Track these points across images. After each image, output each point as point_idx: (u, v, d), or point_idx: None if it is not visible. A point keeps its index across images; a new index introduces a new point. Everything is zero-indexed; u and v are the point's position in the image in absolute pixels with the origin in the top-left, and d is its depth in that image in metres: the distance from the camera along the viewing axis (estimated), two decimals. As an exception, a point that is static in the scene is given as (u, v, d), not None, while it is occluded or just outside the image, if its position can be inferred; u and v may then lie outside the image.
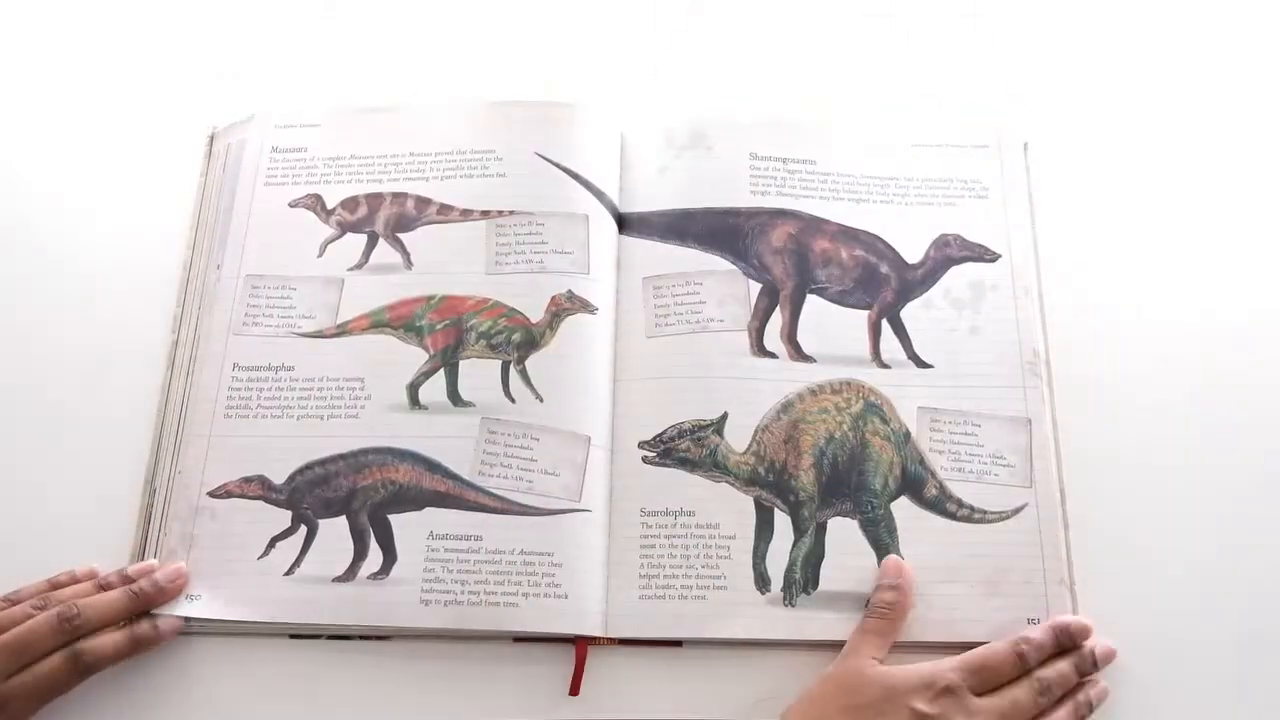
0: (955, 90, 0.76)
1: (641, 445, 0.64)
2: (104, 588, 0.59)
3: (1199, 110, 0.75)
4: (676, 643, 0.60)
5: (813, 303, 0.68)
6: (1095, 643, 0.58)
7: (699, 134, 0.72)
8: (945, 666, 0.55)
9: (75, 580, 0.60)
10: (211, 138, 0.75)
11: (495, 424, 0.64)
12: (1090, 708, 0.57)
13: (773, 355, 0.66)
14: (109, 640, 0.57)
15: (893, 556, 0.61)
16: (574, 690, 0.59)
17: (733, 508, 0.62)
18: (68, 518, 0.64)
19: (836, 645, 0.59)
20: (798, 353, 0.66)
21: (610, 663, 0.60)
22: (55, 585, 0.60)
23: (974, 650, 0.57)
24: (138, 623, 0.59)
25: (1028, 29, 0.79)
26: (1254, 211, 0.71)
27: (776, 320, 0.67)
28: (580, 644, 0.60)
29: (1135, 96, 0.75)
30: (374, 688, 0.59)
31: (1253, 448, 0.64)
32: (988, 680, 0.55)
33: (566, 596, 0.60)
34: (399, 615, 0.60)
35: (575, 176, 0.70)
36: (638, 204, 0.70)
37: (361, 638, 0.61)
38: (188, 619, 0.60)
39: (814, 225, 0.69)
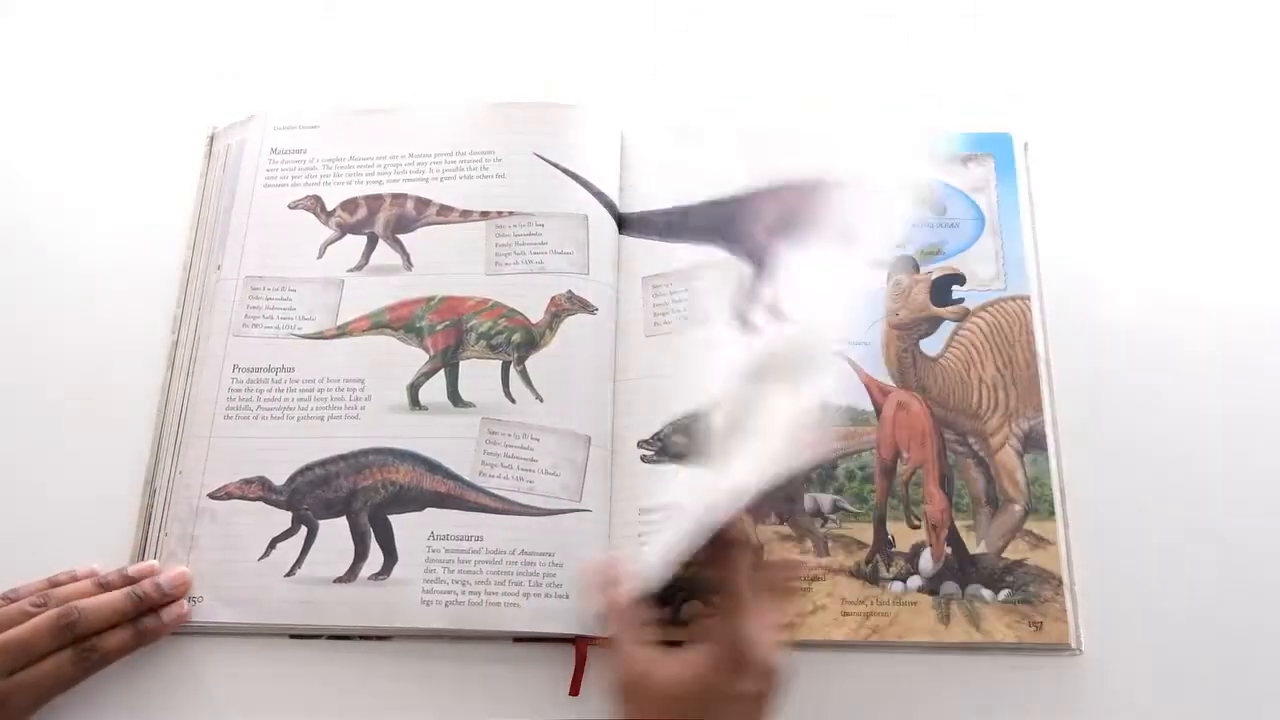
0: (955, 90, 0.76)
1: (640, 445, 0.64)
2: (104, 587, 0.59)
3: (1199, 110, 0.75)
4: (677, 643, 0.60)
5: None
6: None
7: (698, 134, 0.72)
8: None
9: (75, 579, 0.60)
10: (211, 138, 0.75)
11: (495, 424, 0.64)
12: None
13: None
14: (113, 636, 0.57)
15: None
16: (574, 690, 0.59)
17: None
18: (68, 518, 0.64)
19: (834, 643, 0.59)
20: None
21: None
22: (55, 584, 0.60)
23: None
24: (142, 617, 0.59)
25: (1028, 29, 0.78)
26: (1255, 211, 0.71)
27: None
28: (581, 644, 0.60)
29: (1135, 96, 0.75)
30: (374, 688, 0.60)
31: (1254, 447, 0.64)
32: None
33: (567, 596, 0.60)
34: (399, 615, 0.60)
35: (575, 177, 0.70)
36: (637, 203, 0.70)
37: (361, 638, 0.61)
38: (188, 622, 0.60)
39: (811, 192, 0.69)
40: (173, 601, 0.60)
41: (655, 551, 0.50)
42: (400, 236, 0.70)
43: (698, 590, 0.50)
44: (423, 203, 0.70)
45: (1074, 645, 0.59)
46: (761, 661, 0.47)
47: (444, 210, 0.70)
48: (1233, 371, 0.66)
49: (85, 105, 0.77)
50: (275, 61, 0.78)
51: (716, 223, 0.69)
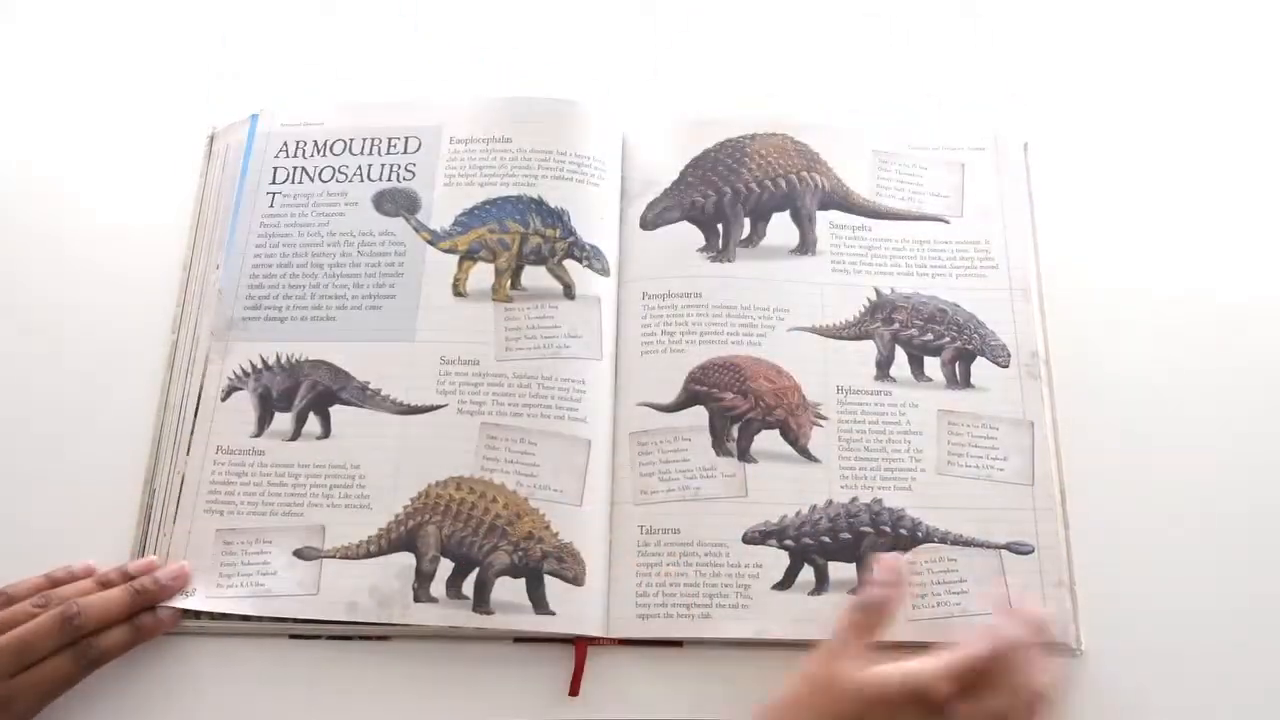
0: (955, 91, 0.76)
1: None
2: (104, 584, 0.59)
3: (1198, 110, 0.75)
4: (677, 643, 0.60)
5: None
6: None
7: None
8: (933, 674, 0.50)
9: (73, 576, 0.60)
10: (211, 138, 0.75)
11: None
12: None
13: None
14: (113, 633, 0.57)
15: (893, 554, 0.61)
16: (574, 690, 0.59)
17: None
18: (68, 518, 0.64)
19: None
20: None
21: (610, 663, 0.60)
22: (53, 580, 0.60)
23: (959, 654, 0.51)
24: (139, 615, 0.59)
25: (1027, 29, 0.79)
26: (1254, 210, 0.71)
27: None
28: (580, 644, 0.60)
29: (1135, 96, 0.75)
30: (374, 688, 0.60)
31: (1253, 447, 0.64)
32: (975, 685, 0.51)
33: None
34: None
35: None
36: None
37: (361, 638, 0.61)
38: (188, 612, 0.60)
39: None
40: (171, 595, 0.60)
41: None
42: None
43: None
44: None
45: (1074, 645, 0.59)
46: None
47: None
48: (1234, 371, 0.66)
49: (85, 105, 0.77)
50: (275, 61, 0.78)
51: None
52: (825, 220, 0.70)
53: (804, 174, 0.71)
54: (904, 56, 0.78)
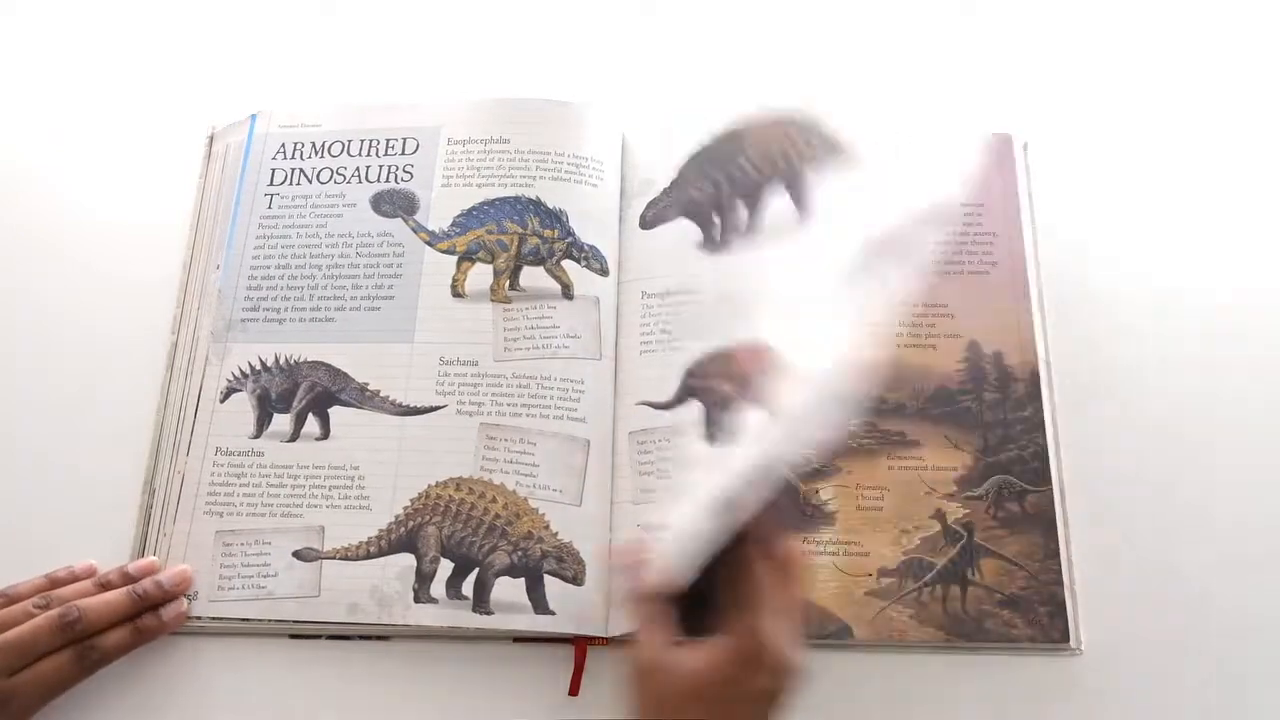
0: (954, 90, 0.76)
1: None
2: (104, 586, 0.60)
3: (1198, 109, 0.74)
4: (676, 643, 0.60)
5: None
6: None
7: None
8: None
9: (74, 576, 0.60)
10: (211, 138, 0.75)
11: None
12: None
13: None
14: (114, 635, 0.57)
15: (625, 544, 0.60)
16: (574, 690, 0.59)
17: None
18: (68, 518, 0.64)
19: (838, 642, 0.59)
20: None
21: (610, 663, 0.60)
22: (54, 581, 0.60)
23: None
24: (141, 616, 0.59)
25: (1027, 29, 0.78)
26: (1254, 210, 0.71)
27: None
28: (580, 644, 0.60)
29: (1134, 96, 0.75)
30: (374, 688, 0.60)
31: (1254, 446, 0.64)
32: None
33: (567, 597, 0.60)
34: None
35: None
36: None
37: (361, 638, 0.61)
38: (189, 618, 0.60)
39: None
40: (172, 599, 0.60)
41: (678, 540, 0.49)
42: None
43: (715, 581, 0.49)
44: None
45: (1074, 645, 0.59)
46: (778, 657, 0.46)
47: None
48: (1235, 371, 0.66)
49: (85, 105, 0.77)
50: (275, 61, 0.78)
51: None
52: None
53: (803, 148, 0.70)
54: (903, 56, 0.77)
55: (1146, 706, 0.59)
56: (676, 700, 0.46)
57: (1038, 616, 0.60)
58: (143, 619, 0.59)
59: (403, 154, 0.72)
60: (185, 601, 0.60)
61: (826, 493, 0.63)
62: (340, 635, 0.61)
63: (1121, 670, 0.59)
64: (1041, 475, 0.63)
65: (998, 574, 0.61)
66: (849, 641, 0.60)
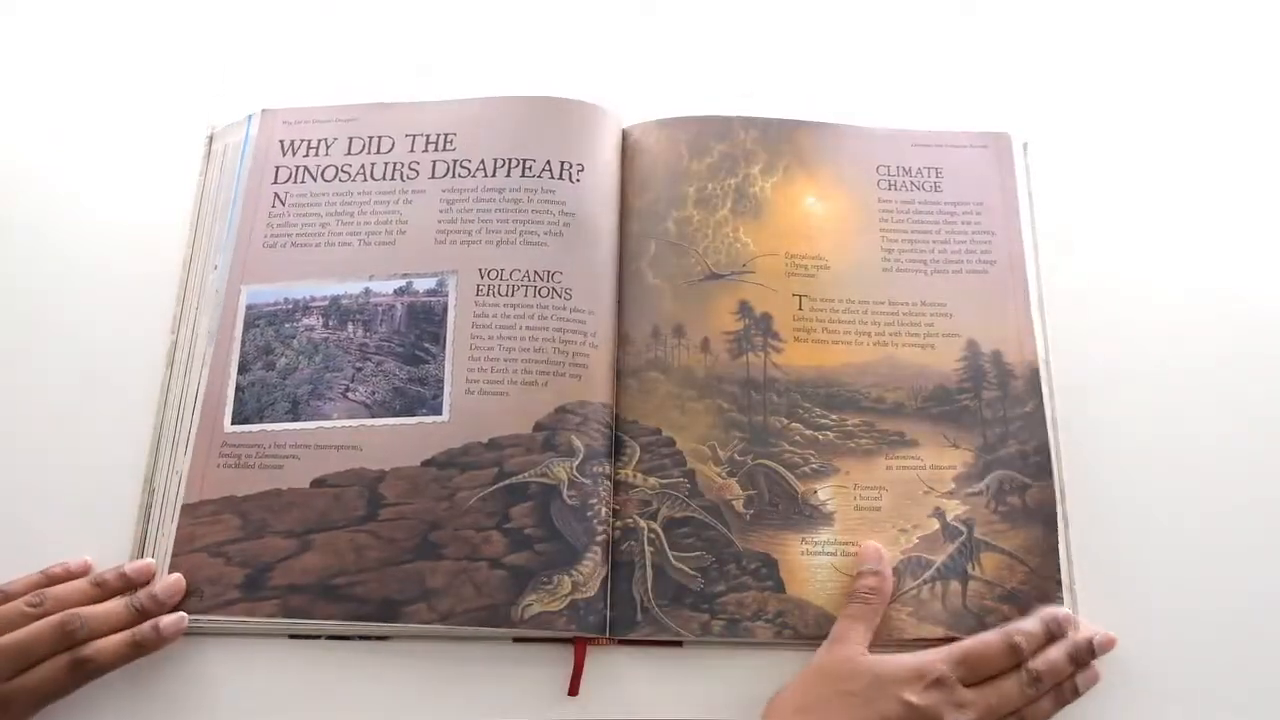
0: (954, 89, 0.76)
1: None
2: (100, 585, 0.60)
3: (1199, 109, 0.75)
4: (676, 643, 0.60)
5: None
6: (1095, 632, 0.58)
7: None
8: (935, 658, 0.56)
9: (70, 574, 0.60)
10: (210, 138, 0.75)
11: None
12: (1075, 692, 0.57)
13: None
14: (111, 645, 0.57)
15: (871, 542, 0.61)
16: (573, 690, 0.59)
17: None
18: (67, 517, 0.64)
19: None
20: None
21: (610, 663, 0.60)
22: (50, 577, 0.60)
23: (964, 641, 0.57)
24: (139, 626, 0.59)
25: (1027, 28, 0.78)
26: (1254, 209, 0.71)
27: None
28: (580, 644, 0.60)
29: (1135, 95, 0.75)
30: (374, 688, 0.60)
31: (1254, 446, 0.64)
32: (978, 671, 0.56)
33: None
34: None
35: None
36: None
37: (361, 638, 0.61)
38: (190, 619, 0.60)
39: None
40: (168, 610, 0.60)
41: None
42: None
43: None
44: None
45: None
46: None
47: None
48: (1235, 370, 0.66)
49: (85, 105, 0.77)
50: (274, 61, 0.78)
51: None
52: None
53: None
54: (903, 56, 0.78)
55: (1147, 707, 0.59)
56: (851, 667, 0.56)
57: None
58: (141, 631, 0.58)
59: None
60: (185, 616, 0.60)
61: (825, 493, 0.63)
62: (340, 635, 0.61)
63: (1121, 671, 0.59)
64: (1043, 469, 0.63)
65: (998, 568, 0.61)
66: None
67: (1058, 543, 0.62)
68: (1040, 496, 0.63)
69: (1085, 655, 0.58)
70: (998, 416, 0.65)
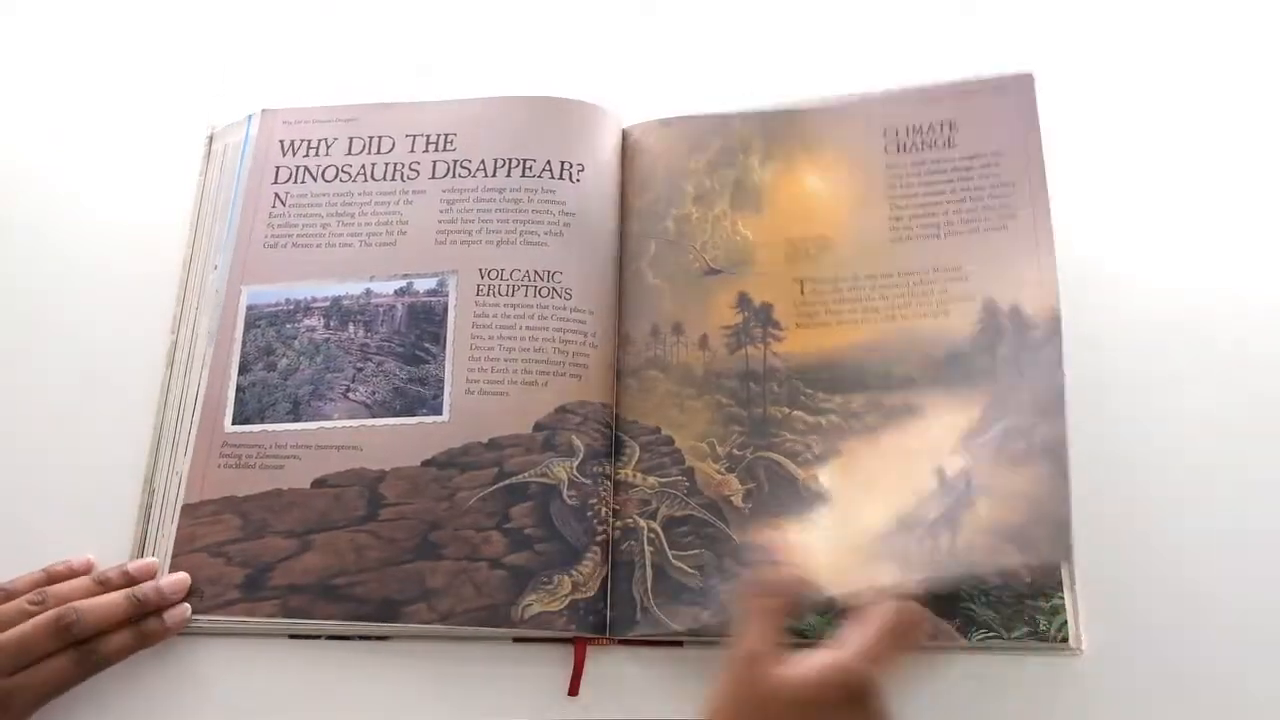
0: (954, 85, 0.75)
1: None
2: (103, 584, 0.59)
3: (1209, 95, 0.73)
4: (677, 643, 0.60)
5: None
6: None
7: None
8: (853, 660, 0.50)
9: (72, 571, 0.60)
10: (210, 138, 0.75)
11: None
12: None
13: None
14: (116, 638, 0.57)
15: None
16: (573, 690, 0.59)
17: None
18: (67, 518, 0.64)
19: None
20: None
21: (610, 663, 0.60)
22: (52, 575, 0.60)
23: (868, 633, 0.51)
24: (143, 619, 0.59)
25: (1028, 27, 0.78)
26: (1254, 210, 0.71)
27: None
28: (579, 644, 0.60)
29: (1140, 89, 0.75)
30: (374, 688, 0.60)
31: (1255, 446, 0.64)
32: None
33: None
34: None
35: None
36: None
37: (361, 638, 0.61)
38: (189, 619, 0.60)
39: None
40: (172, 604, 0.60)
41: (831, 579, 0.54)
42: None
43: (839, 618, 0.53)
44: None
45: (1074, 645, 0.59)
46: (874, 707, 0.48)
47: None
48: (1239, 369, 0.66)
49: (85, 105, 0.77)
50: (274, 61, 0.78)
51: None
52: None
53: None
54: (903, 57, 0.77)
55: (1147, 706, 0.59)
56: (765, 696, 0.49)
57: (1038, 550, 0.57)
58: (147, 623, 0.58)
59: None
60: (189, 607, 0.60)
61: (825, 476, 0.62)
62: (340, 635, 0.61)
63: (1121, 671, 0.59)
64: (1053, 409, 0.59)
65: (997, 509, 0.58)
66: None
67: (1066, 478, 0.57)
68: (1048, 434, 0.58)
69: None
70: (1013, 369, 0.61)
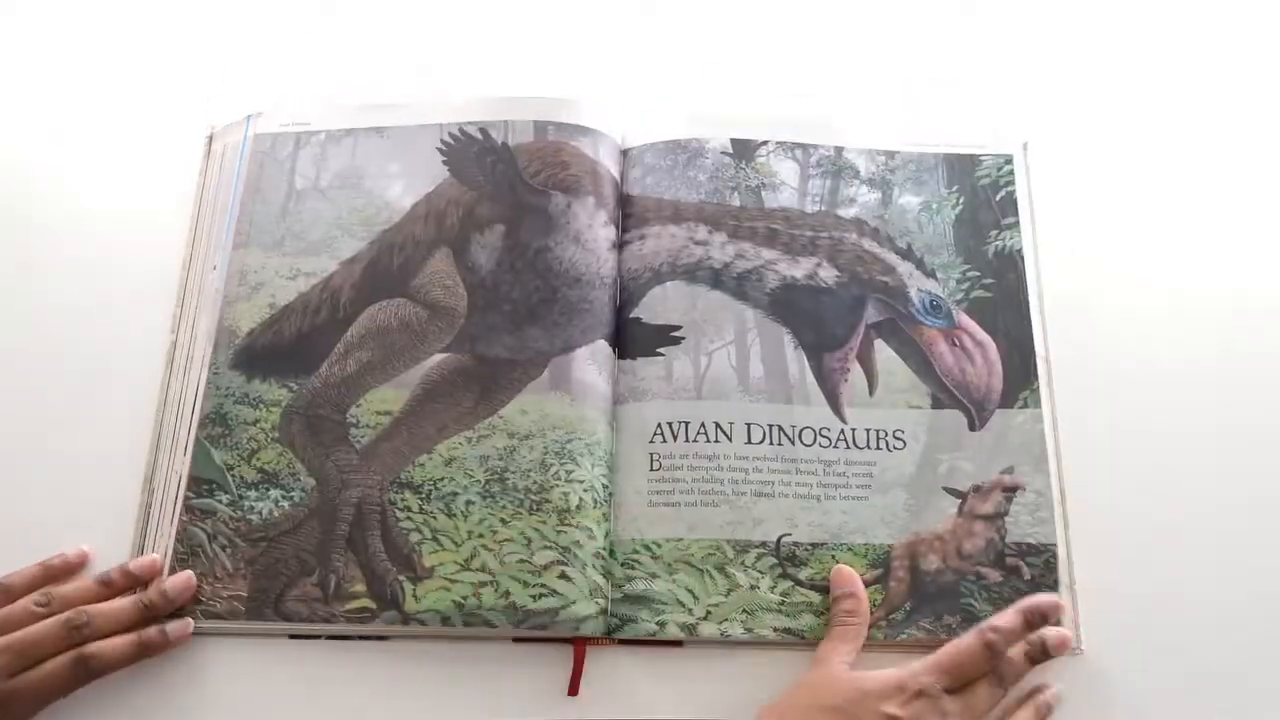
0: (954, 90, 0.76)
1: None
2: (105, 583, 0.60)
3: (1198, 109, 0.75)
4: (677, 643, 0.60)
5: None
6: (1047, 631, 0.58)
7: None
8: (917, 670, 0.55)
9: (69, 564, 0.61)
10: (210, 138, 0.75)
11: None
12: (1049, 709, 0.57)
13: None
14: (116, 645, 0.57)
15: (841, 566, 0.61)
16: (573, 690, 0.59)
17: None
18: (67, 517, 0.64)
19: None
20: None
21: (610, 663, 0.60)
22: (48, 569, 0.60)
23: (943, 648, 0.56)
24: (145, 629, 0.59)
25: (1028, 28, 0.78)
26: (1254, 211, 0.71)
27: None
28: (579, 644, 0.60)
29: (1135, 96, 0.75)
30: (374, 688, 0.60)
31: (1254, 446, 0.64)
32: (959, 676, 0.55)
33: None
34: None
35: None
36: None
37: (361, 638, 0.61)
38: (186, 610, 0.60)
39: None
40: (178, 607, 0.60)
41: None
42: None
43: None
44: None
45: (1074, 645, 0.59)
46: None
47: None
48: (1235, 372, 0.66)
49: (84, 105, 0.77)
50: (274, 61, 0.78)
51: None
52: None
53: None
54: (904, 57, 0.78)
55: (1147, 706, 0.59)
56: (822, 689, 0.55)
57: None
58: (148, 634, 0.58)
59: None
60: (191, 622, 0.60)
61: None
62: (340, 635, 0.61)
63: (1121, 671, 0.59)
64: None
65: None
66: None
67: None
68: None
69: (1036, 652, 0.57)
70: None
